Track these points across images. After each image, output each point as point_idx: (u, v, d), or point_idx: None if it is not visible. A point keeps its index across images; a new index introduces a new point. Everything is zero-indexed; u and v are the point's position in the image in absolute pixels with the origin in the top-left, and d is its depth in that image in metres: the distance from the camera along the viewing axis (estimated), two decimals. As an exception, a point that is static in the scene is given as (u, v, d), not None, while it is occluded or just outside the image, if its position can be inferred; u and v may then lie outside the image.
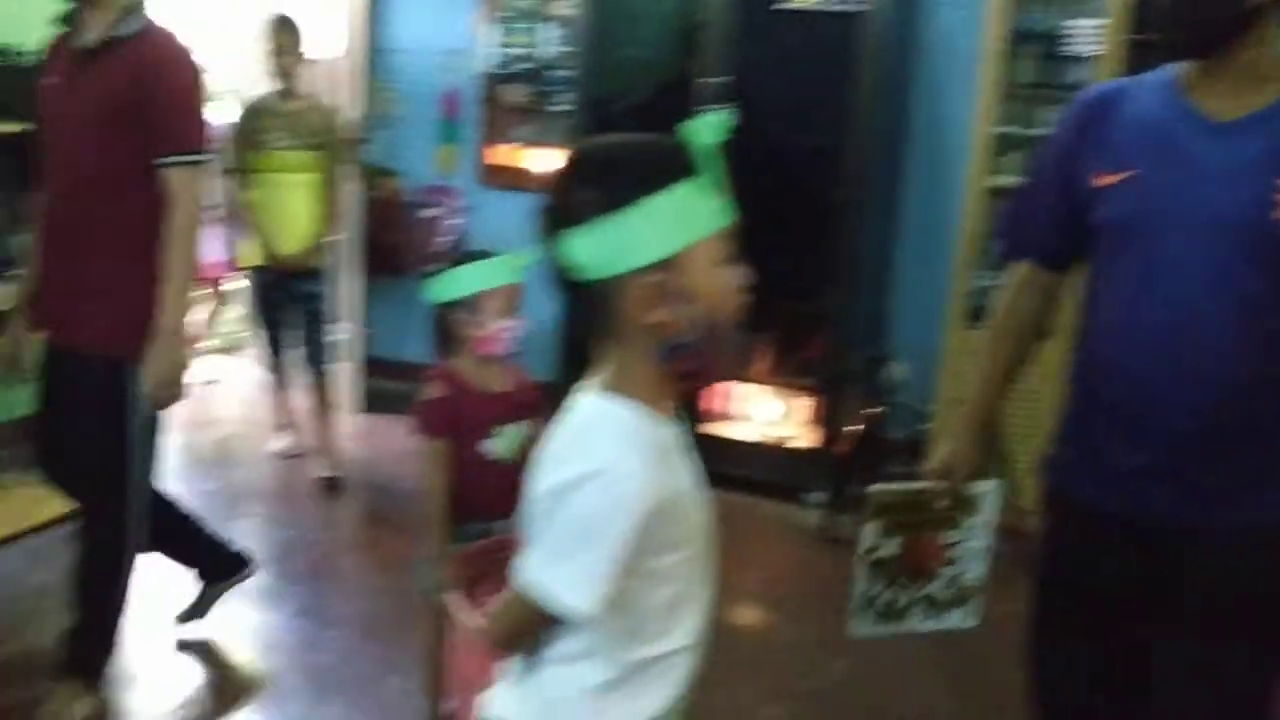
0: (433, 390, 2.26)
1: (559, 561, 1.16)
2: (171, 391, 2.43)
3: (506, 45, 4.70)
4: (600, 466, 1.13)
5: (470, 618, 2.04)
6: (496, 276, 2.24)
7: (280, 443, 4.31)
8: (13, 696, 2.61)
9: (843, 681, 2.90)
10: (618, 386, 1.19)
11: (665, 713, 1.25)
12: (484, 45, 4.73)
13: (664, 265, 1.13)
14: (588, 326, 1.20)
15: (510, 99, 4.73)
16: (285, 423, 4.33)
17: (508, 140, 4.79)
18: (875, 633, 1.99)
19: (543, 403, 2.38)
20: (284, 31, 3.94)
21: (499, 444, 2.26)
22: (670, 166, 1.14)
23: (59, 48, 2.46)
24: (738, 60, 3.89)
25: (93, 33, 2.36)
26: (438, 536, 2.24)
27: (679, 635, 1.24)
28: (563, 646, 1.24)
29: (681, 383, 1.22)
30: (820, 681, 2.90)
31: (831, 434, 4.02)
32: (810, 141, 3.95)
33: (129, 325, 2.40)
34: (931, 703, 2.87)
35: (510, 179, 4.79)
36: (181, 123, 2.39)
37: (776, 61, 3.91)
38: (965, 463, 1.90)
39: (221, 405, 4.96)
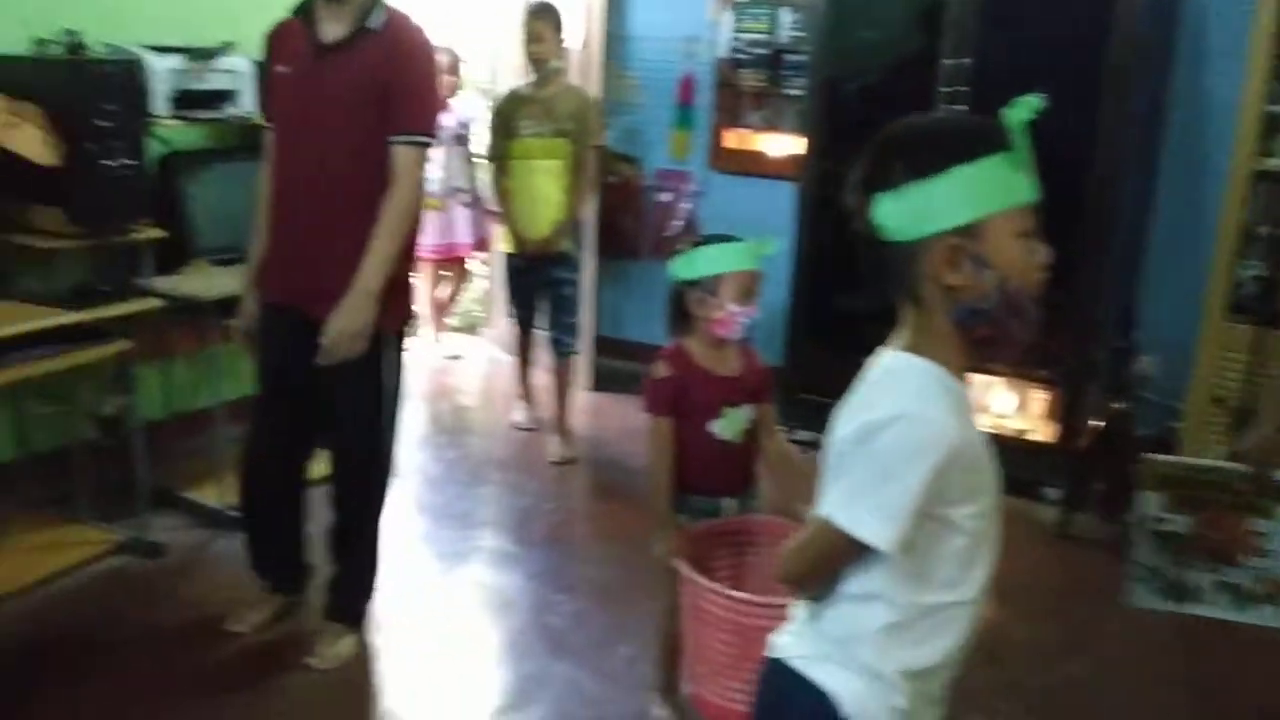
0: (663, 369, 2.34)
1: (861, 497, 1.23)
2: (350, 346, 2.53)
3: (742, 30, 4.73)
4: (903, 411, 1.21)
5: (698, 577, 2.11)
6: (738, 260, 2.29)
7: (520, 416, 4.52)
8: (281, 631, 2.89)
9: (1078, 682, 2.79)
10: (916, 346, 1.27)
11: (944, 663, 1.31)
12: (720, 31, 4.78)
13: (967, 231, 1.20)
14: (888, 287, 1.27)
15: (745, 84, 4.77)
16: (525, 399, 4.53)
17: (742, 125, 4.83)
18: (1158, 607, 1.90)
19: (770, 387, 2.43)
20: (542, 18, 4.00)
21: (725, 425, 2.31)
22: (983, 139, 1.20)
23: (290, 40, 2.59)
24: (980, 40, 3.77)
25: (338, 26, 2.51)
26: (664, 509, 2.31)
27: (965, 588, 1.29)
28: (853, 585, 1.30)
29: (976, 349, 1.26)
30: (1054, 680, 2.80)
31: (1071, 429, 3.86)
32: (1058, 123, 3.75)
33: (384, 296, 2.57)
34: (1170, 717, 2.72)
35: (744, 164, 4.84)
36: (418, 106, 2.57)
37: (1022, 41, 3.76)
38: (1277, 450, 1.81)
39: (463, 379, 5.27)
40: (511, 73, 5.14)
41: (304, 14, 2.57)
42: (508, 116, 4.08)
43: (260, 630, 2.88)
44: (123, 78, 3.14)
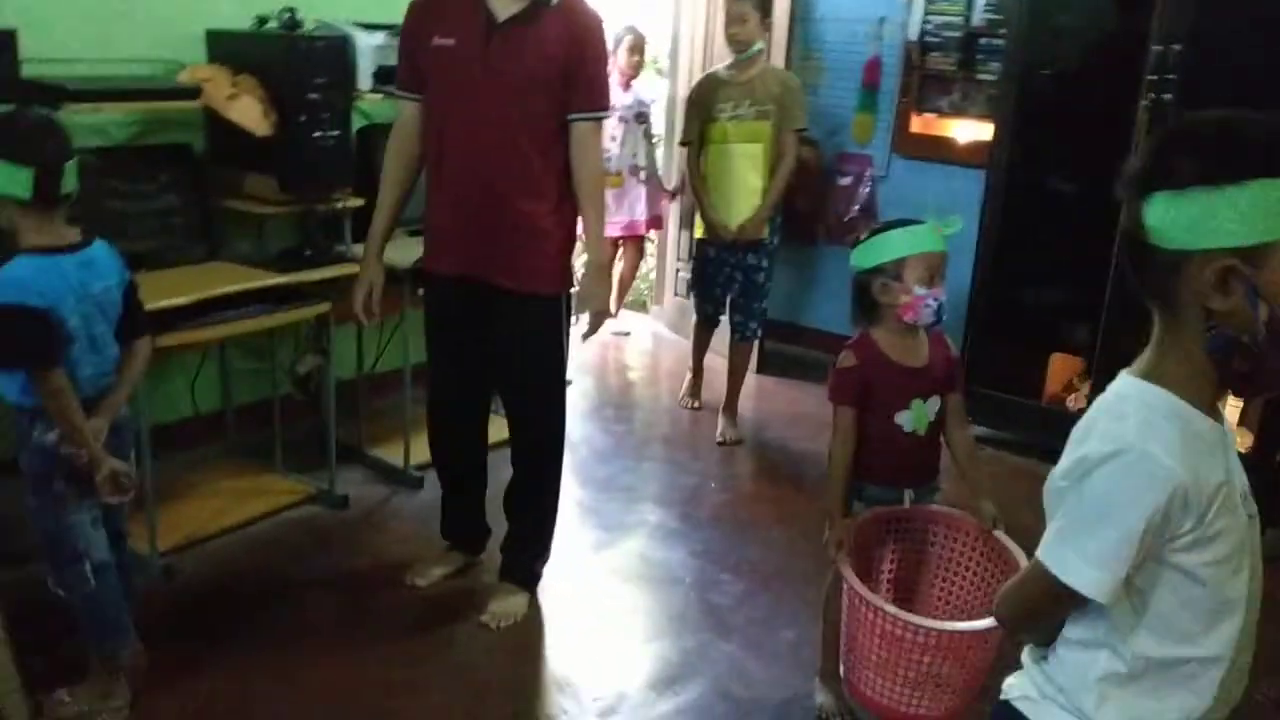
0: (849, 358, 2.31)
1: (1071, 540, 1.16)
2: (602, 319, 2.82)
3: (934, 13, 4.60)
4: (1123, 446, 1.12)
5: (855, 580, 2.09)
6: (921, 243, 2.25)
7: (690, 397, 4.54)
8: (458, 585, 3.02)
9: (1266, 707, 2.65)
10: (1157, 371, 1.17)
11: None
12: (910, 13, 4.67)
13: (1248, 254, 1.07)
14: (1146, 296, 1.17)
15: (934, 67, 4.64)
16: (697, 380, 4.54)
17: (929, 109, 4.71)
18: None
19: (959, 377, 2.37)
20: (747, 0, 3.92)
21: (912, 417, 2.27)
22: None
23: (450, 12, 2.59)
24: (1194, 23, 3.55)
25: (510, 3, 2.53)
26: (839, 499, 2.30)
27: (1210, 644, 1.19)
28: (1076, 631, 1.23)
29: (1227, 382, 1.16)
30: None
31: (1270, 440, 3.63)
32: None
33: (561, 263, 2.74)
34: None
35: (929, 149, 4.72)
36: (599, 84, 2.66)
37: (1241, 24, 3.52)
38: None
39: (631, 355, 5.35)
40: (692, 54, 5.17)
41: None
42: (706, 99, 4.00)
43: (437, 585, 3.01)
44: (333, 53, 3.30)
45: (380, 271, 2.83)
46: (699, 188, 4.08)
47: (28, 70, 2.77)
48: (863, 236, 2.33)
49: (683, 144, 4.17)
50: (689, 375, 4.58)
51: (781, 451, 4.19)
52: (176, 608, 2.83)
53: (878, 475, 2.30)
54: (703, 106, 4.01)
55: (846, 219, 4.90)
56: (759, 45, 3.97)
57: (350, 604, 2.92)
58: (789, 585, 3.11)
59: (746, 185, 4.00)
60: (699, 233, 4.19)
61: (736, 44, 3.94)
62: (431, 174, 2.73)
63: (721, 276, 4.15)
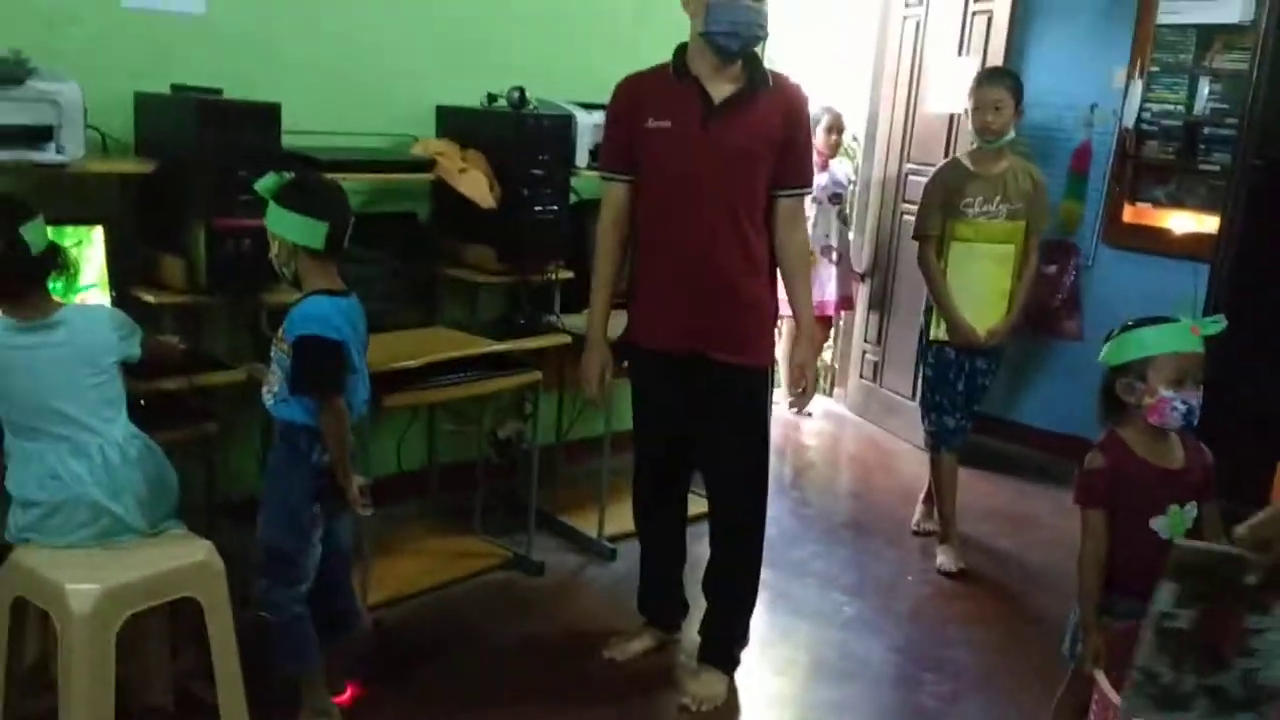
0: (1098, 459, 2.20)
1: None
2: (813, 391, 2.89)
3: (1152, 100, 4.46)
4: None
5: (1116, 697, 1.96)
6: (1173, 343, 2.15)
7: (925, 520, 4.11)
8: (655, 663, 2.99)
9: None
10: None
11: None
12: (1126, 100, 4.53)
13: None
14: None
15: (1151, 156, 4.48)
16: (930, 501, 4.04)
17: (1143, 199, 4.54)
18: (1150, 718, 1.66)
19: (1214, 483, 2.23)
20: (1003, 84, 3.58)
21: (1170, 523, 2.14)
22: None
23: (662, 95, 2.64)
24: None
25: (729, 84, 2.59)
26: (1093, 609, 2.17)
27: None
28: None
29: None
30: None
31: None
32: None
33: (769, 336, 2.85)
34: None
35: (1142, 240, 4.55)
36: (807, 160, 2.76)
37: None
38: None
39: (813, 436, 5.26)
40: (890, 135, 5.15)
41: (680, 70, 2.63)
42: (951, 192, 3.64)
43: (635, 661, 2.98)
44: (557, 131, 3.42)
45: (609, 352, 2.87)
46: (942, 287, 3.67)
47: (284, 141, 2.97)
48: (1113, 332, 2.24)
49: (919, 238, 3.75)
50: (923, 501, 4.14)
51: (978, 547, 4.02)
52: (383, 657, 2.88)
53: (1130, 586, 2.16)
54: (947, 199, 3.65)
55: (1050, 309, 4.73)
56: (1010, 135, 3.61)
57: (547, 671, 2.92)
58: (1003, 690, 2.96)
59: (996, 288, 3.66)
60: (937, 334, 3.75)
61: (989, 133, 3.57)
62: (643, 252, 2.77)
63: (959, 379, 3.77)
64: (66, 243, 2.44)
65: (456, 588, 3.32)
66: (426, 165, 3.26)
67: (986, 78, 3.67)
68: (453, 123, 3.53)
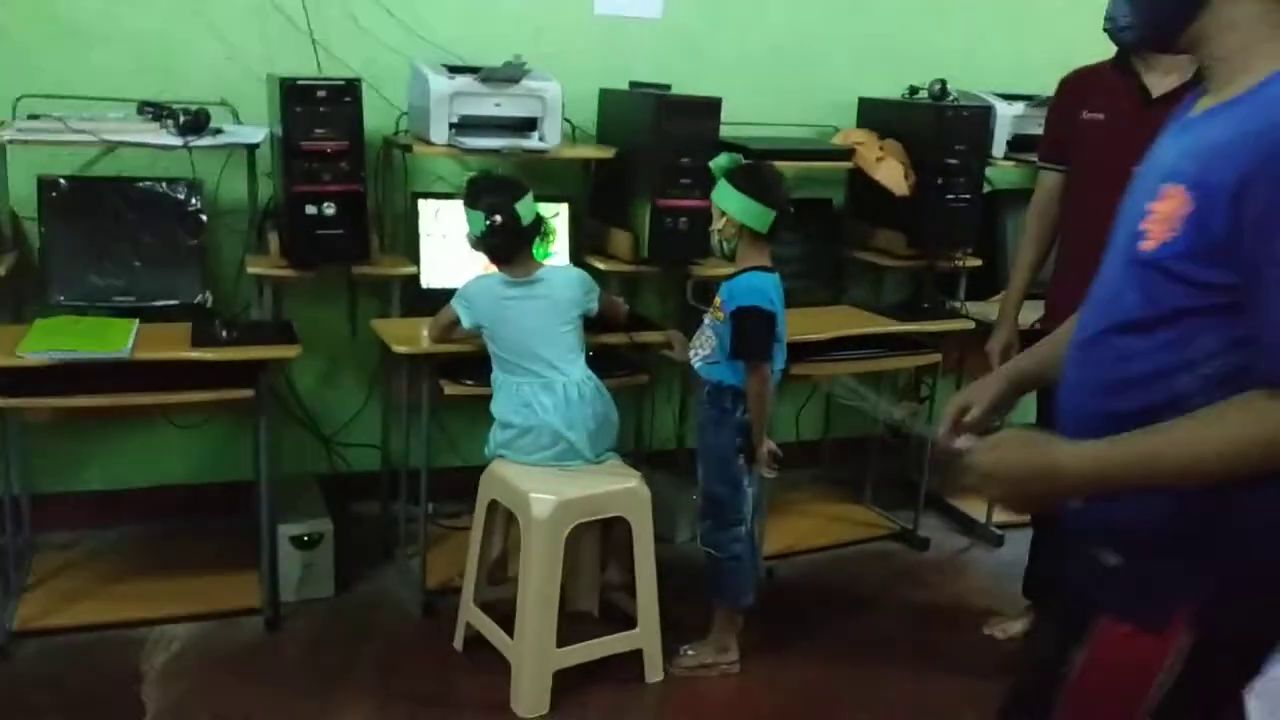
0: None
1: None
2: None
3: None
4: None
5: None
6: None
7: None
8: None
9: None
10: None
11: None
12: None
13: None
14: None
15: None
16: None
17: None
18: None
19: None
20: None
21: None
22: None
23: (1100, 87, 2.64)
24: None
25: (1169, 77, 2.52)
26: None
27: None
28: None
29: None
30: None
31: None
32: None
33: None
34: None
35: None
36: None
37: None
38: None
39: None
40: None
41: (1121, 62, 2.61)
42: None
43: (1015, 641, 3.05)
44: (976, 122, 3.51)
45: (1016, 333, 2.95)
46: None
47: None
48: None
49: None
50: None
51: None
52: (775, 603, 3.16)
53: None
54: None
55: None
56: None
57: (925, 637, 3.08)
58: None
59: None
60: None
61: None
62: (1067, 243, 2.80)
63: None
64: (545, 216, 2.94)
65: (844, 550, 3.55)
66: (846, 154, 3.49)
67: None
68: (873, 114, 3.72)
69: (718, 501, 2.73)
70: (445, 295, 2.82)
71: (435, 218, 3.21)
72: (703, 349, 2.73)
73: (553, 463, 2.69)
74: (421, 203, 3.23)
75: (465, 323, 2.72)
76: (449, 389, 2.85)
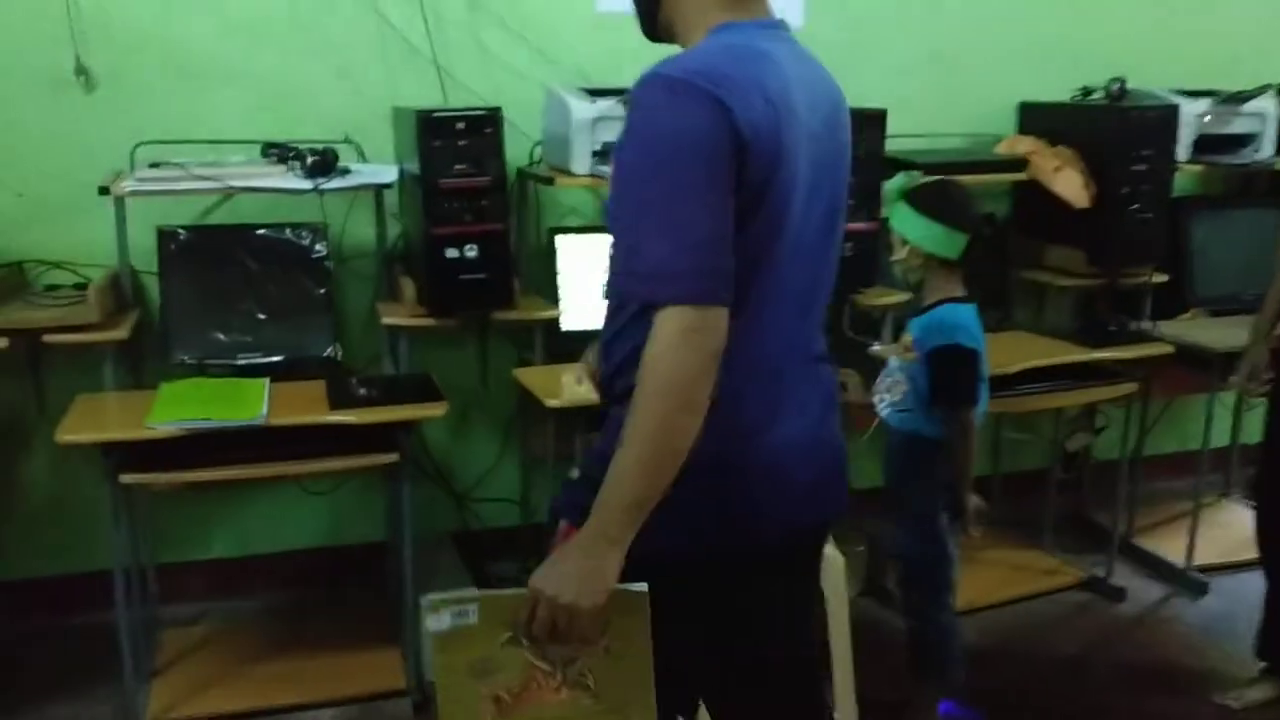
0: None
1: None
2: None
3: None
4: None
5: None
6: None
7: None
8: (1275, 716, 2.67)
9: None
10: None
11: None
12: None
13: None
14: None
15: None
16: None
17: None
18: None
19: None
20: None
21: None
22: None
23: None
24: None
25: None
26: None
27: None
28: None
29: None
30: None
31: None
32: None
33: None
34: None
35: None
36: None
37: None
38: None
39: None
40: None
41: None
42: None
43: (1251, 712, 2.68)
44: (1161, 124, 3.16)
45: (1265, 353, 2.65)
46: None
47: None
48: None
49: None
50: None
51: None
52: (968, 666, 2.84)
53: None
54: None
55: None
56: None
57: (1145, 706, 2.71)
58: None
59: None
60: None
61: None
62: None
63: None
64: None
65: (1031, 603, 3.19)
66: (1020, 165, 3.16)
67: None
68: (1037, 119, 3.39)
69: (923, 566, 2.41)
70: (585, 339, 2.54)
71: (572, 255, 2.95)
72: (892, 394, 2.42)
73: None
74: (559, 239, 2.97)
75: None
76: (602, 443, 2.57)
